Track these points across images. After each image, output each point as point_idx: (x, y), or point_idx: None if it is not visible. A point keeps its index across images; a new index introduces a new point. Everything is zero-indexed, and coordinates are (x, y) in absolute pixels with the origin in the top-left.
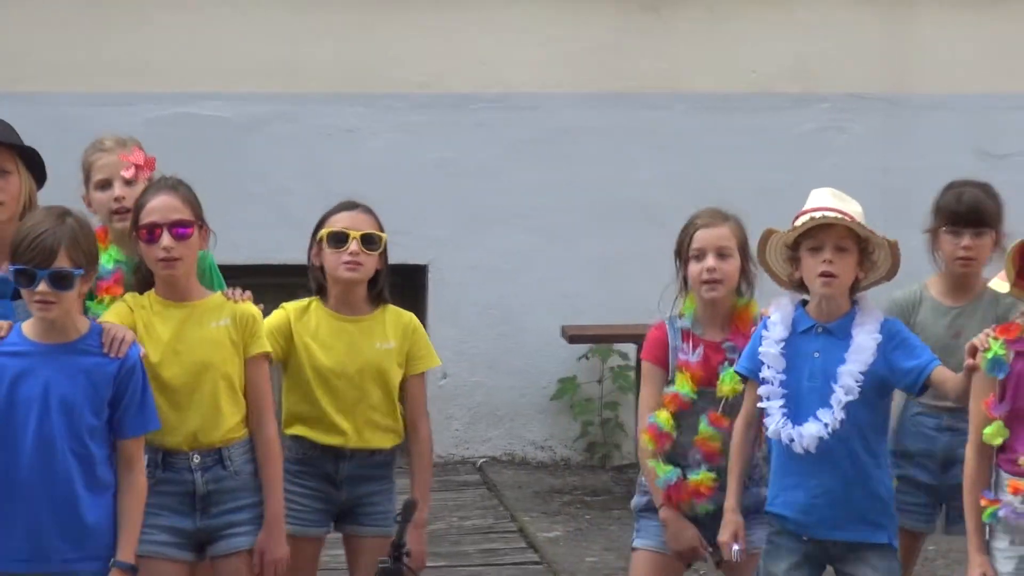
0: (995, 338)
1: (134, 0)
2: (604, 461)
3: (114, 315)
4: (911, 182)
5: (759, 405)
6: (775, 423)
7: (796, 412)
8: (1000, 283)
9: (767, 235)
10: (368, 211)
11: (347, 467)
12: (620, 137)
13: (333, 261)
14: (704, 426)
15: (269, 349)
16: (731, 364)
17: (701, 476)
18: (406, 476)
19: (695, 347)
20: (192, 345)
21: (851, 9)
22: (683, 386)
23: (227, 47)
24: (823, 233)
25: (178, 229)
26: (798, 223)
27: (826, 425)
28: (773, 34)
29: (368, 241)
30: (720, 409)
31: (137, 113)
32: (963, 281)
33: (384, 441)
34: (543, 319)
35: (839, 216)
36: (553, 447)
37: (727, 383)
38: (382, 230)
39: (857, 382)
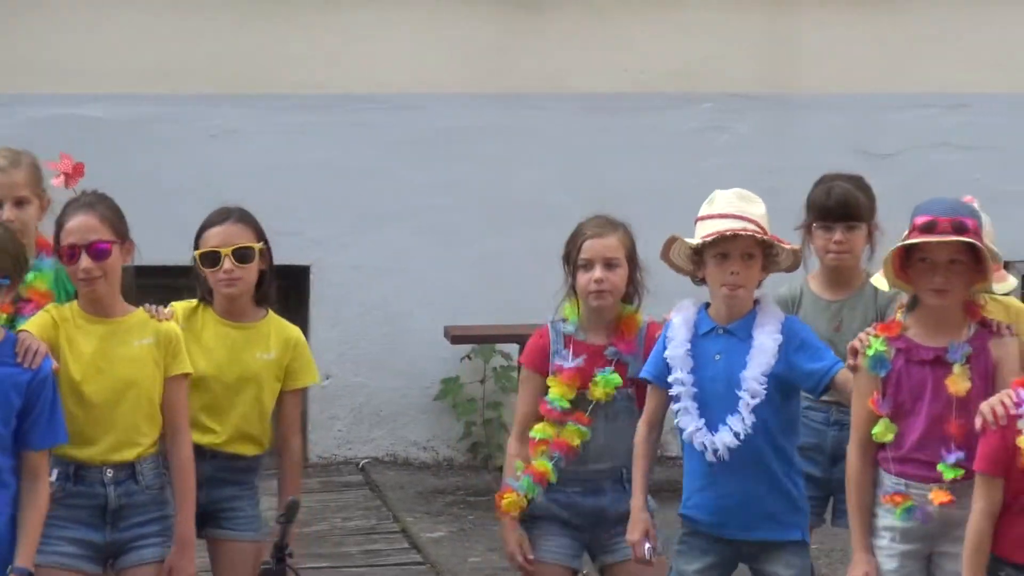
0: (876, 336)
1: (10, 0)
2: (487, 461)
3: (36, 326)
4: (794, 182)
5: (673, 407)
6: (690, 429)
7: (706, 415)
8: (881, 279)
9: (671, 241)
10: (242, 219)
11: (207, 468)
12: (503, 137)
13: (211, 279)
14: (571, 426)
15: (190, 370)
16: (611, 368)
17: (544, 466)
18: (272, 478)
19: (577, 353)
20: (115, 362)
21: (734, 10)
22: (556, 396)
23: (108, 48)
24: (730, 243)
25: (96, 247)
26: (703, 228)
27: (737, 434)
28: (656, 34)
29: (241, 254)
30: (589, 412)
31: (16, 114)
32: (841, 275)
33: (250, 450)
34: (426, 319)
35: (746, 226)
36: (436, 447)
37: (600, 387)
38: (260, 236)
39: (762, 385)
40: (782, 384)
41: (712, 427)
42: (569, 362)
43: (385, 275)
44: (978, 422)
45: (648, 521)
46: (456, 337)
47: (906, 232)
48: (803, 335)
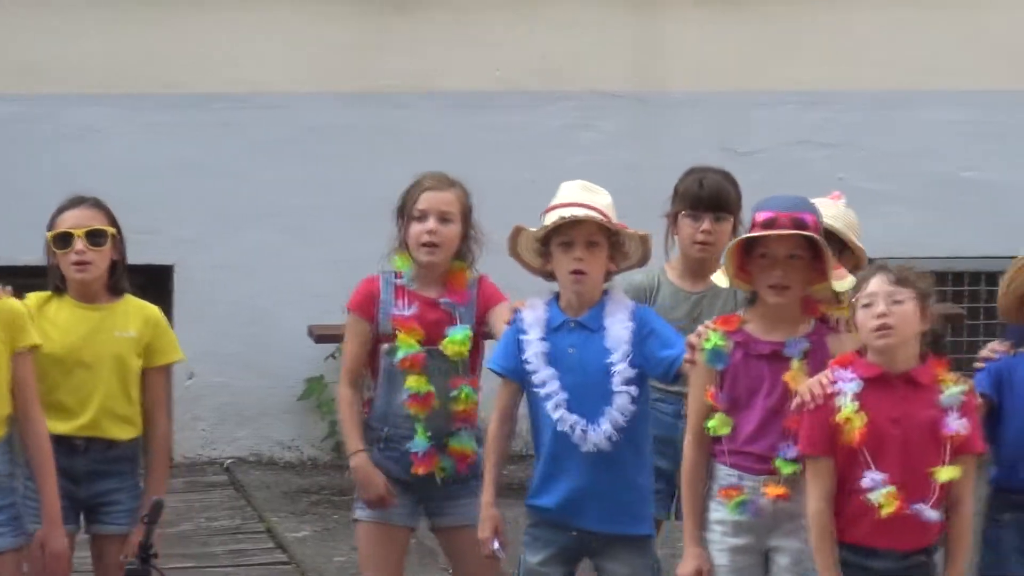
0: (714, 329)
1: None
2: None
3: None
4: (658, 179)
5: (546, 404)
6: (566, 424)
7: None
8: (720, 277)
9: (516, 232)
10: (96, 205)
11: (84, 462)
12: (369, 136)
13: (63, 262)
14: (468, 392)
15: (38, 341)
16: (454, 322)
17: (469, 445)
18: None
19: (409, 302)
20: None
21: (599, 8)
22: (409, 345)
23: None
24: (573, 229)
25: None
26: (548, 219)
27: (616, 425)
28: (521, 33)
29: (94, 237)
30: (460, 371)
31: None
32: (702, 266)
33: (122, 432)
34: (290, 319)
35: (588, 212)
36: (300, 447)
37: (455, 344)
38: (113, 223)
39: (634, 373)
40: (635, 372)
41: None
42: (407, 310)
43: (249, 274)
44: (795, 403)
45: (498, 518)
46: (320, 336)
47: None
48: (653, 323)
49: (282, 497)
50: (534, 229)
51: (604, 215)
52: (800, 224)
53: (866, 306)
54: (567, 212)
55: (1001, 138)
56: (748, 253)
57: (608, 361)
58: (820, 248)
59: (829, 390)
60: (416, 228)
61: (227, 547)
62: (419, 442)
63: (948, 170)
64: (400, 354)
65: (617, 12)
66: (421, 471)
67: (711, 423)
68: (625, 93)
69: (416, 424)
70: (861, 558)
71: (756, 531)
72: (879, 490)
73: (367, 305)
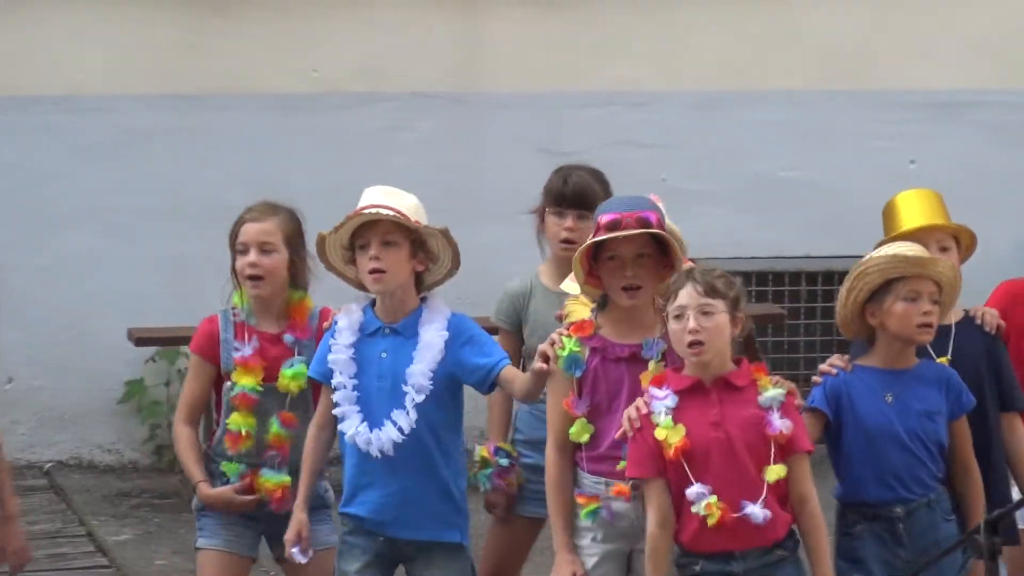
0: (569, 336)
1: None
2: (172, 464)
3: None
4: (477, 180)
5: (334, 412)
6: (351, 429)
7: (370, 414)
8: (571, 284)
9: (319, 240)
10: None
11: None
12: (189, 138)
13: None
14: (276, 427)
15: None
16: (295, 357)
17: (277, 479)
18: None
19: (249, 338)
20: None
21: (418, 9)
22: (247, 382)
23: None
24: (369, 231)
25: None
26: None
27: (401, 429)
28: (341, 35)
29: None
30: (287, 406)
31: None
32: (571, 266)
33: None
34: (110, 321)
35: (380, 211)
36: (121, 450)
37: (288, 378)
38: None
39: (428, 380)
40: (450, 381)
41: (378, 424)
42: (249, 350)
43: (70, 277)
44: (619, 433)
45: (303, 522)
46: (140, 339)
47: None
48: (471, 331)
49: (103, 500)
50: (324, 231)
51: (402, 215)
52: (645, 223)
53: (677, 317)
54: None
55: (820, 138)
56: (596, 258)
57: (408, 369)
58: (667, 244)
59: (645, 411)
60: (240, 262)
61: (47, 551)
62: (234, 480)
63: (768, 170)
64: (233, 392)
65: (436, 13)
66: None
67: (572, 430)
68: (444, 94)
69: (226, 464)
70: (721, 564)
71: (624, 536)
72: (702, 501)
73: (208, 346)
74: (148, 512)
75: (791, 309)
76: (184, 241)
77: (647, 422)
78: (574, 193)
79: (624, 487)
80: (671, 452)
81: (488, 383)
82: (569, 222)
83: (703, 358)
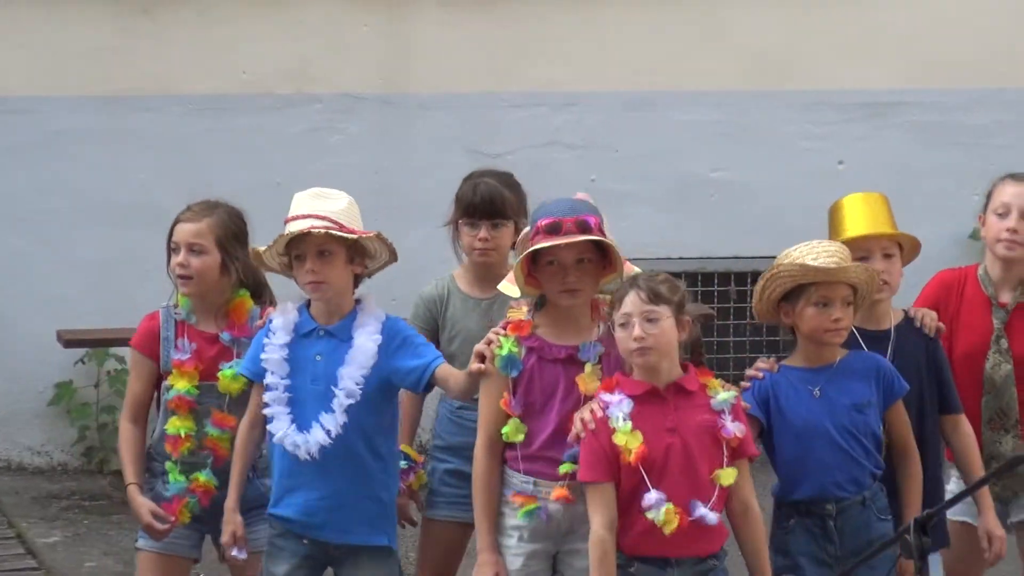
0: (506, 336)
1: None
2: (102, 466)
3: None
4: (405, 181)
5: (264, 411)
6: (280, 430)
7: (301, 416)
8: (508, 287)
9: (255, 254)
10: None
11: None
12: (115, 140)
13: None
14: (210, 428)
15: None
16: (233, 358)
17: (203, 478)
18: None
19: (190, 339)
20: None
21: (347, 10)
22: (183, 385)
23: None
24: (303, 242)
25: None
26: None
27: (328, 432)
28: (268, 35)
29: None
30: (225, 407)
31: None
32: (490, 271)
33: None
34: (38, 323)
35: (313, 223)
36: (50, 452)
37: (227, 379)
38: None
39: (358, 384)
40: (383, 384)
41: (307, 427)
42: (185, 353)
43: None
44: (571, 436)
45: (238, 523)
46: (69, 341)
47: (530, 235)
48: (405, 334)
49: (32, 503)
50: (258, 247)
51: (334, 222)
52: (585, 227)
53: (623, 325)
54: (294, 227)
55: (748, 138)
56: (535, 261)
57: (338, 371)
58: (607, 248)
59: (600, 415)
60: (172, 261)
61: None
62: (174, 485)
63: (697, 171)
64: (170, 395)
65: (364, 14)
66: (176, 514)
67: (506, 429)
68: (372, 95)
69: (170, 464)
70: (657, 570)
71: (551, 536)
72: (659, 508)
73: (148, 342)
74: (78, 514)
75: (720, 309)
76: (112, 243)
77: (603, 426)
78: (483, 202)
79: (564, 491)
80: (631, 458)
81: (423, 383)
82: (482, 232)
83: (649, 360)
